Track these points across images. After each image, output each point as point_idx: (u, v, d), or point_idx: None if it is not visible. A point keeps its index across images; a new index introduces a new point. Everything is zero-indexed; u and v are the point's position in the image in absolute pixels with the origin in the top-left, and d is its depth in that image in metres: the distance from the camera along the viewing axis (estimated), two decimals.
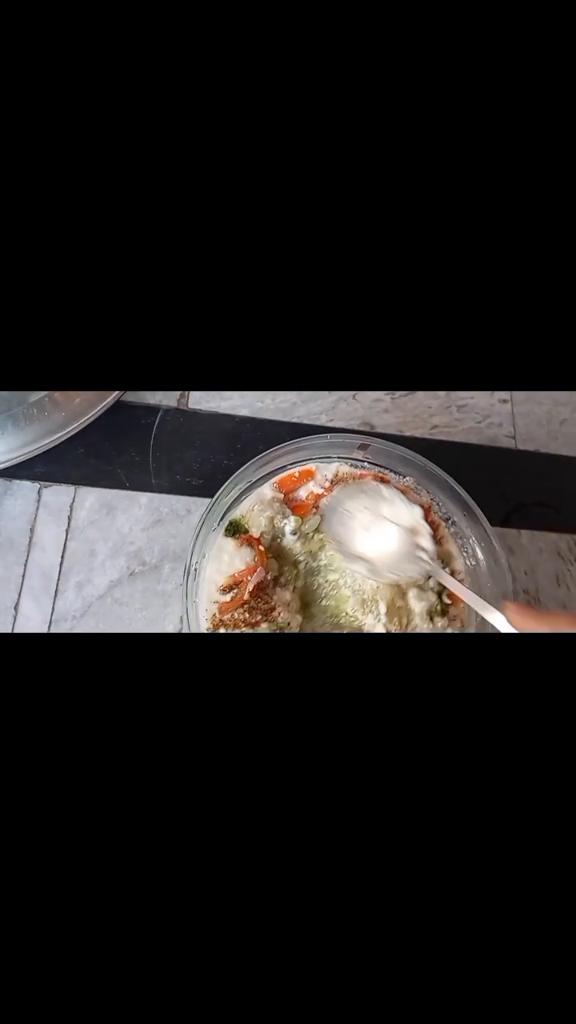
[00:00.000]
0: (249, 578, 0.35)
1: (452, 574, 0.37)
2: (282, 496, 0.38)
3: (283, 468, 0.38)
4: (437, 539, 0.38)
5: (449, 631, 0.36)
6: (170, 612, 0.39)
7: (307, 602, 0.37)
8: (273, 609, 0.34)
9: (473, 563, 0.37)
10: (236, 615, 0.34)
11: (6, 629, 0.38)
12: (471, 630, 0.36)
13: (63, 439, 0.39)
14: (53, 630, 0.38)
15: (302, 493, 0.38)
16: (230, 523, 0.36)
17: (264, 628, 0.34)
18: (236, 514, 0.37)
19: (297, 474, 0.38)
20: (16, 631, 0.38)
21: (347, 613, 0.37)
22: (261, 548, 0.36)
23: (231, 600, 0.35)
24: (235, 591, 0.35)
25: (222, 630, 0.34)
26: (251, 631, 0.34)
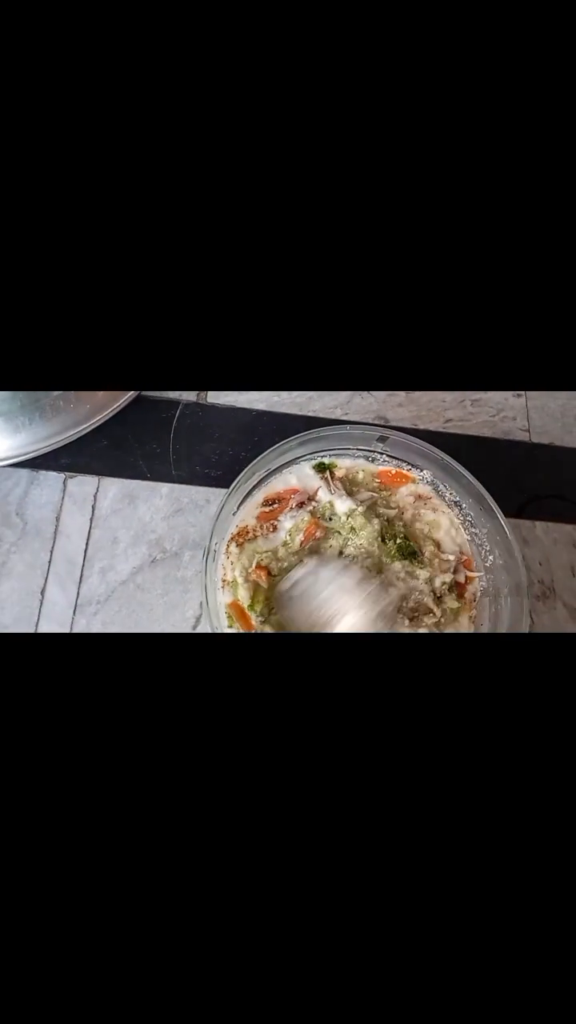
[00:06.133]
0: (292, 496, 0.37)
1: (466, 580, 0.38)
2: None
3: (300, 458, 0.38)
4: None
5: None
6: (190, 598, 0.41)
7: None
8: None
9: (489, 556, 0.38)
10: (264, 526, 0.37)
11: (33, 613, 0.39)
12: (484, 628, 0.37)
13: (87, 431, 0.40)
14: (78, 614, 0.40)
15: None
16: (321, 463, 0.39)
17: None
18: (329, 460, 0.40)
19: (393, 472, 0.40)
20: (43, 615, 0.39)
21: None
22: (328, 488, 0.38)
23: (269, 511, 0.38)
24: (276, 505, 0.38)
25: (233, 545, 0.37)
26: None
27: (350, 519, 0.37)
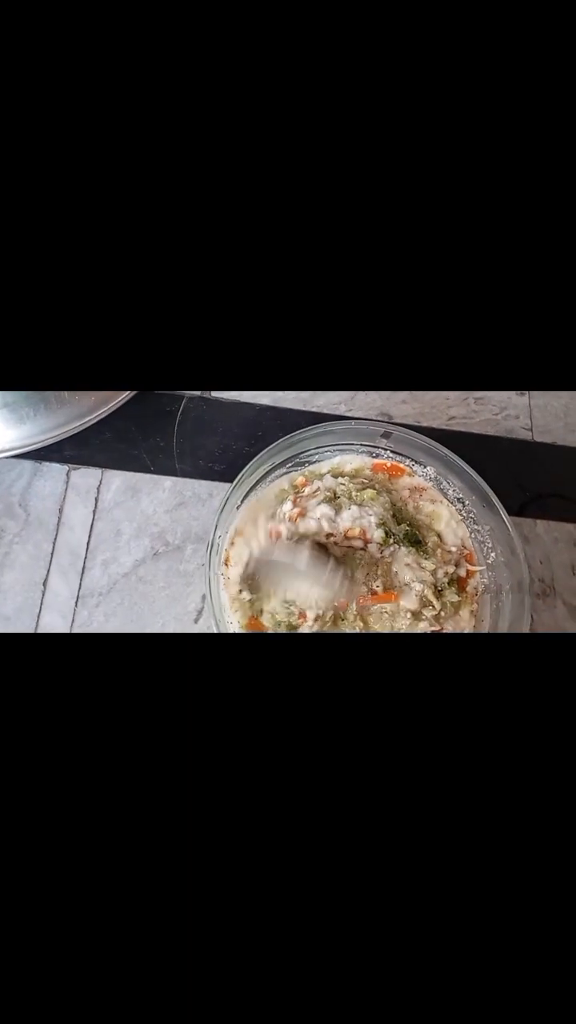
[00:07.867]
0: None
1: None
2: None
3: (305, 452, 0.39)
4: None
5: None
6: (192, 591, 0.41)
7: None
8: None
9: (492, 554, 0.38)
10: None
11: (36, 604, 0.39)
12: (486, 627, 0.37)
13: (91, 423, 0.40)
14: (80, 606, 0.40)
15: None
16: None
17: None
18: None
19: (388, 465, 0.40)
20: (45, 606, 0.39)
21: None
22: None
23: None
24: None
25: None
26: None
27: (355, 491, 0.37)
